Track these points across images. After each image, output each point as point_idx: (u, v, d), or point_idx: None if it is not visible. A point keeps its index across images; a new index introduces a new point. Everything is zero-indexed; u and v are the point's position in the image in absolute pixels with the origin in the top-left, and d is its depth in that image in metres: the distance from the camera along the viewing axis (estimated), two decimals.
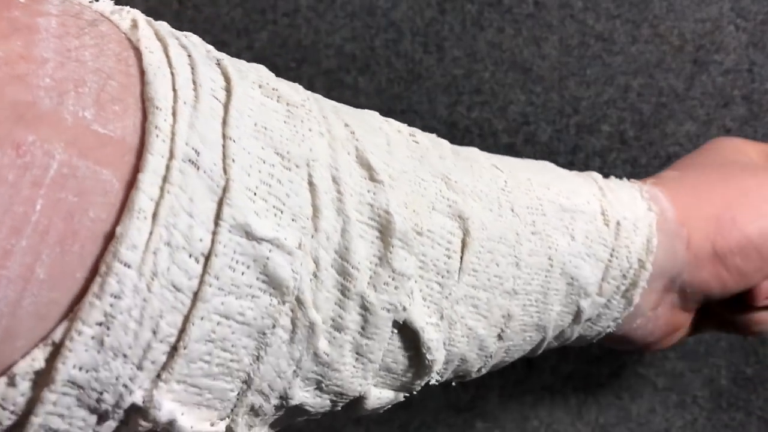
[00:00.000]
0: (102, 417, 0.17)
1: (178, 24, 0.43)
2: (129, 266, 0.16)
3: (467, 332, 0.24)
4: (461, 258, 0.23)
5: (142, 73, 0.17)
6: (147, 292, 0.16)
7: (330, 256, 0.20)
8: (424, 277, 0.22)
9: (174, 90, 0.17)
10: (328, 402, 0.22)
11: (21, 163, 0.14)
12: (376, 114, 0.24)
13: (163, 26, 0.19)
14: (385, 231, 0.21)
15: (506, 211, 0.25)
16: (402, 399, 0.25)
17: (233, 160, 0.18)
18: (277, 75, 0.22)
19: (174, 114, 0.17)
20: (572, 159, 0.42)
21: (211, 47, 0.21)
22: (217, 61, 0.20)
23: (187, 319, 0.17)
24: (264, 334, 0.19)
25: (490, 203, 0.24)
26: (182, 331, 0.17)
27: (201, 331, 0.18)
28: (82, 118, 0.15)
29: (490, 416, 0.44)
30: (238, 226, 0.18)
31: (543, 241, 0.26)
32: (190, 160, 0.17)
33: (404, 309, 0.22)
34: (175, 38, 0.19)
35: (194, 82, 0.18)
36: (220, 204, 0.17)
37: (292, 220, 0.19)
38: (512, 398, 0.43)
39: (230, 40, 0.43)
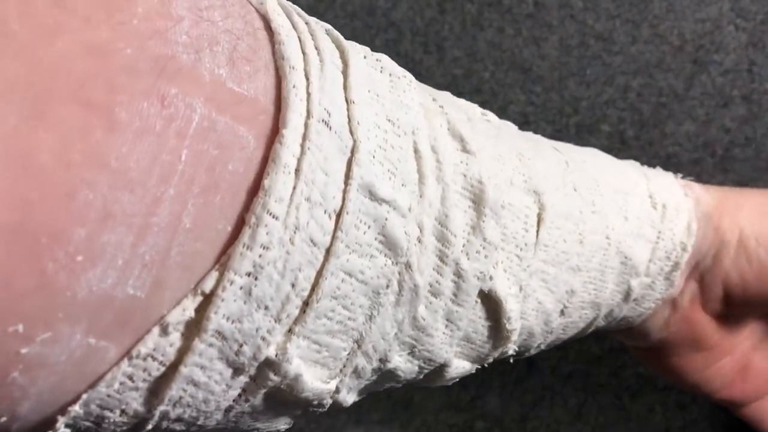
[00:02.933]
0: (237, 370, 0.17)
1: None
2: (276, 218, 0.16)
3: (537, 306, 0.25)
4: (537, 232, 0.24)
5: (270, 34, 0.18)
6: (290, 244, 0.17)
7: (431, 222, 0.21)
8: (505, 249, 0.23)
9: (303, 53, 0.18)
10: (416, 368, 0.23)
11: (166, 113, 0.14)
12: (449, 93, 0.25)
13: None
14: (478, 201, 0.22)
15: (570, 189, 0.26)
16: (473, 371, 0.25)
17: (358, 123, 0.18)
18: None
19: (306, 75, 0.17)
20: None
21: (316, 18, 0.21)
22: (326, 30, 0.20)
23: (320, 273, 0.18)
24: (378, 294, 0.20)
25: (556, 182, 0.25)
26: (315, 285, 0.18)
27: (330, 286, 0.18)
28: (218, 76, 0.16)
29: (490, 416, 0.44)
30: (364, 185, 0.18)
31: (602, 220, 0.27)
32: (323, 120, 0.17)
33: (491, 278, 0.22)
34: (291, 6, 0.19)
35: (317, 48, 0.18)
36: (349, 164, 0.18)
37: (403, 185, 0.20)
38: (512, 398, 0.44)
39: None
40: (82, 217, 0.14)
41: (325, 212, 0.17)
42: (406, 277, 0.20)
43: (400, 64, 0.45)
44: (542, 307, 0.25)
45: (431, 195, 0.20)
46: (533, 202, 0.24)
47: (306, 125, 0.17)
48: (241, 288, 0.16)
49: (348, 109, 0.18)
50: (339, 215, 0.18)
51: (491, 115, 0.26)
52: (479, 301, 0.23)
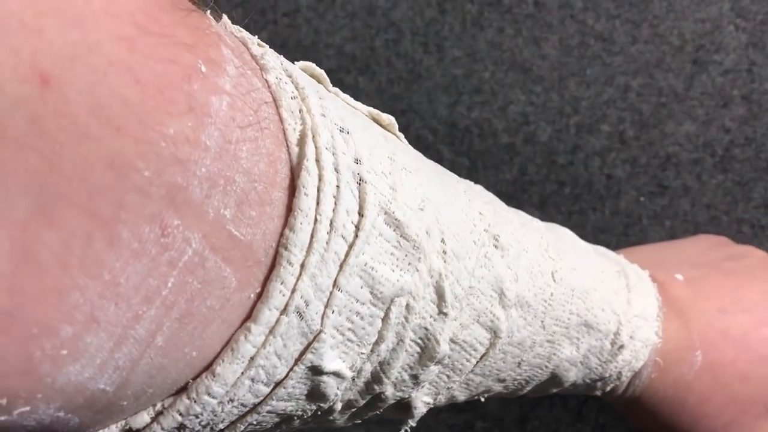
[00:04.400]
0: None
1: None
2: (215, 398, 0.18)
3: (449, 397, 0.26)
4: (477, 362, 0.25)
5: (290, 192, 0.17)
6: (220, 411, 0.18)
7: (372, 365, 0.22)
8: (440, 372, 0.24)
9: (311, 240, 0.18)
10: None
11: (163, 242, 0.15)
12: (474, 205, 0.24)
13: (324, 119, 0.19)
14: (427, 353, 0.22)
15: (537, 322, 0.26)
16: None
17: (332, 311, 0.19)
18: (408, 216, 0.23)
19: (302, 266, 0.18)
20: (572, 159, 0.42)
21: (371, 154, 0.20)
22: (359, 180, 0.19)
23: (239, 420, 0.19)
24: (292, 419, 0.21)
25: (528, 313, 0.26)
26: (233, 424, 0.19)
27: (245, 426, 0.20)
28: (221, 216, 0.16)
29: (490, 416, 0.44)
30: (313, 367, 0.19)
31: (552, 348, 0.28)
32: (298, 312, 0.18)
33: (410, 396, 0.24)
34: (332, 152, 0.18)
35: (331, 225, 0.18)
36: (306, 348, 0.19)
37: (358, 345, 0.20)
38: (512, 398, 0.44)
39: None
40: (70, 316, 0.14)
41: (265, 385, 0.19)
42: (325, 409, 0.22)
43: (400, 64, 0.45)
44: (454, 398, 0.27)
45: (383, 349, 0.21)
46: (488, 339, 0.24)
47: (278, 321, 0.18)
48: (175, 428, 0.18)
49: (331, 295, 0.19)
50: (277, 385, 0.19)
51: (505, 236, 0.25)
52: (393, 404, 0.24)
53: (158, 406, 0.18)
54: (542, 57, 0.42)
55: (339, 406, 0.22)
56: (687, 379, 0.30)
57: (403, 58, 0.43)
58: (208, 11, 0.18)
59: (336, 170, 0.18)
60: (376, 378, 0.22)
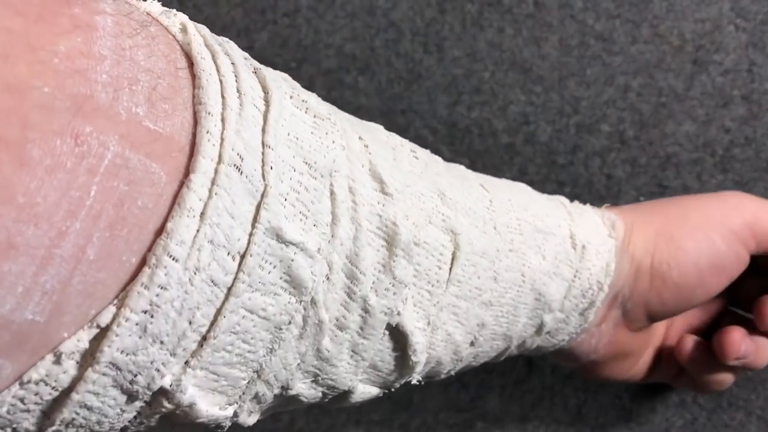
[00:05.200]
0: (131, 397, 0.18)
1: None
2: (176, 260, 0.17)
3: (446, 337, 0.26)
4: (450, 269, 0.25)
5: (192, 76, 0.18)
6: (189, 285, 0.17)
7: (342, 260, 0.21)
8: (417, 284, 0.24)
9: (222, 97, 0.18)
10: (320, 394, 0.23)
11: (78, 151, 0.15)
12: (381, 128, 0.26)
13: (206, 31, 0.20)
14: (390, 241, 0.22)
15: (490, 228, 0.27)
16: (380, 395, 0.26)
17: (271, 167, 0.19)
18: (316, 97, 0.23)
19: (223, 120, 0.18)
20: (572, 159, 0.42)
21: (247, 55, 0.21)
22: (254, 69, 0.20)
23: (219, 311, 0.18)
24: (280, 329, 0.20)
25: (476, 220, 0.26)
26: (213, 322, 0.18)
27: (229, 323, 0.19)
28: (134, 114, 0.16)
29: (490, 416, 0.44)
30: (272, 229, 0.19)
31: (518, 258, 0.28)
32: (235, 165, 0.18)
33: (398, 314, 0.23)
34: (219, 45, 0.20)
35: (239, 91, 0.19)
36: (258, 207, 0.19)
37: (314, 225, 0.20)
38: (512, 398, 0.43)
39: (230, 40, 0.43)
40: None
41: (228, 254, 0.18)
42: (310, 313, 0.21)
43: (400, 64, 0.45)
44: (451, 338, 0.26)
45: (343, 235, 0.21)
46: (449, 240, 0.25)
47: (216, 170, 0.17)
48: (136, 324, 0.17)
49: (263, 153, 0.19)
50: (243, 257, 0.18)
51: (421, 152, 0.26)
52: (386, 333, 0.23)
53: (121, 295, 0.17)
54: (542, 57, 0.42)
55: (325, 315, 0.21)
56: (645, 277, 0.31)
57: (403, 58, 0.43)
58: None
59: (227, 54, 0.19)
60: (350, 276, 0.21)
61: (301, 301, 0.20)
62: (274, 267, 0.19)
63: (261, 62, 0.23)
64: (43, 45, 0.15)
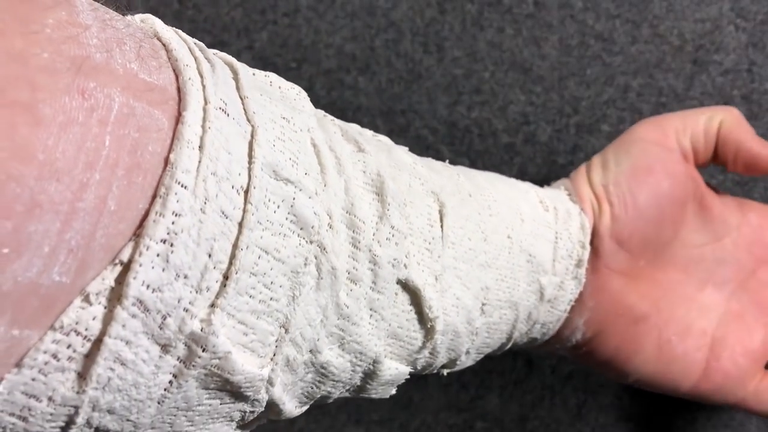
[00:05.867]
0: (164, 348, 0.18)
1: (178, 24, 0.43)
2: (185, 187, 0.17)
3: (456, 302, 0.26)
4: (441, 228, 0.26)
5: (164, 46, 0.19)
6: (202, 213, 0.17)
7: (339, 210, 0.22)
8: (415, 243, 0.24)
9: (194, 57, 0.19)
10: (348, 364, 0.23)
11: (87, 105, 0.16)
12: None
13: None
14: (380, 192, 0.23)
15: (465, 196, 0.28)
16: (408, 375, 0.26)
17: (254, 112, 0.20)
18: (277, 75, 0.23)
19: (200, 73, 0.19)
20: (572, 159, 0.42)
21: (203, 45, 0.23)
22: (214, 52, 0.22)
23: (235, 246, 0.18)
24: (297, 273, 0.20)
25: (451, 189, 0.27)
26: (232, 258, 0.18)
27: (246, 260, 0.19)
28: (130, 69, 0.17)
29: (490, 416, 0.44)
30: (268, 164, 0.19)
31: (501, 221, 0.29)
32: (220, 108, 0.19)
33: (405, 266, 0.24)
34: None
35: (207, 59, 0.20)
36: (250, 145, 0.19)
37: (305, 173, 0.20)
38: (512, 398, 0.43)
39: (230, 40, 0.43)
40: (8, 210, 0.14)
41: (232, 187, 0.18)
42: (323, 260, 0.21)
43: (400, 64, 0.45)
44: (461, 302, 0.26)
45: (335, 185, 0.21)
46: (433, 201, 0.26)
47: (205, 110, 0.18)
48: (158, 255, 0.17)
49: (243, 103, 0.20)
50: (247, 191, 0.19)
51: (382, 137, 0.27)
52: (398, 292, 0.24)
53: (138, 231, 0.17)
54: (542, 57, 0.42)
55: (338, 263, 0.21)
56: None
57: (403, 58, 0.43)
58: None
59: (196, 44, 0.21)
60: (351, 226, 0.22)
61: (311, 242, 0.20)
62: (278, 206, 0.19)
63: (261, 62, 0.23)
64: (32, 19, 0.16)
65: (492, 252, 0.28)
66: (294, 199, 0.20)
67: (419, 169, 0.26)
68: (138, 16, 0.20)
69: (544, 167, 0.42)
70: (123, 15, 0.20)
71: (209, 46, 0.22)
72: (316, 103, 0.44)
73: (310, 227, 0.20)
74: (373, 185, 0.23)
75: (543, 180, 0.42)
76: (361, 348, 0.23)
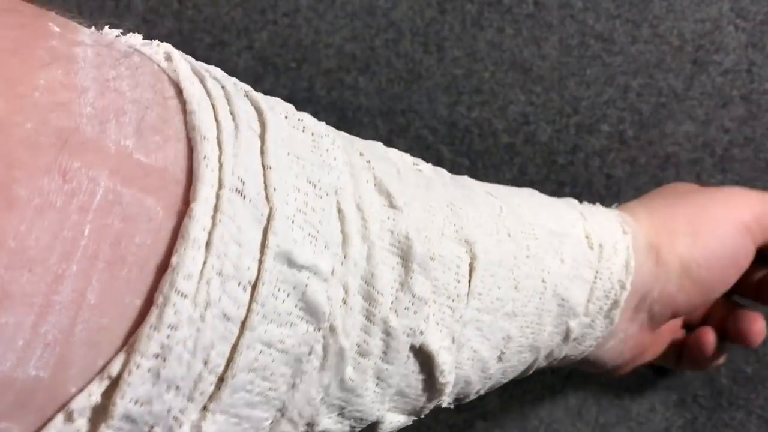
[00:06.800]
0: None
1: (178, 24, 0.43)
2: (185, 296, 0.16)
3: (472, 354, 0.25)
4: (469, 282, 0.24)
5: (182, 104, 0.17)
6: (200, 322, 0.16)
7: (357, 282, 0.20)
8: (437, 301, 0.23)
9: (216, 120, 0.17)
10: (348, 428, 0.22)
11: (68, 188, 0.14)
12: (380, 144, 0.24)
13: (192, 60, 0.19)
14: (405, 257, 0.21)
15: (504, 236, 0.26)
16: (410, 422, 0.25)
17: (275, 189, 0.18)
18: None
19: (219, 144, 0.17)
20: (572, 159, 0.42)
21: (236, 80, 0.21)
22: (245, 93, 0.20)
23: (234, 348, 0.17)
24: (300, 361, 0.19)
25: (488, 229, 0.25)
26: (230, 360, 0.17)
27: (246, 360, 0.18)
28: (123, 147, 0.15)
29: (490, 416, 0.44)
30: (282, 253, 0.18)
31: (537, 264, 0.27)
32: (236, 190, 0.17)
33: (421, 333, 0.22)
34: (206, 71, 0.19)
35: (232, 113, 0.18)
36: (265, 232, 0.18)
37: (325, 247, 0.19)
38: (512, 398, 0.43)
39: (230, 40, 0.43)
40: None
41: (239, 285, 0.17)
42: (330, 341, 0.20)
43: (400, 64, 0.45)
44: (478, 355, 0.25)
45: (356, 255, 0.20)
46: (465, 252, 0.24)
47: (218, 196, 0.17)
48: (148, 370, 0.16)
49: (264, 175, 0.18)
50: (255, 286, 0.17)
51: (423, 165, 0.25)
52: (411, 356, 0.22)
53: (130, 340, 0.16)
54: (542, 57, 0.42)
55: (346, 342, 0.20)
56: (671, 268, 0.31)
57: (403, 58, 0.43)
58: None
59: (215, 78, 0.19)
60: (368, 298, 0.20)
61: (319, 329, 0.19)
62: (288, 295, 0.18)
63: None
64: (21, 79, 0.14)
65: (522, 300, 0.26)
66: (306, 286, 0.18)
67: (457, 211, 0.24)
68: (162, 51, 0.18)
69: (544, 167, 0.42)
70: (149, 40, 0.19)
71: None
72: (316, 103, 0.44)
73: (320, 314, 0.19)
74: (399, 248, 0.21)
75: (543, 180, 0.42)
76: (363, 415, 0.22)
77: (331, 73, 0.43)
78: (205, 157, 0.16)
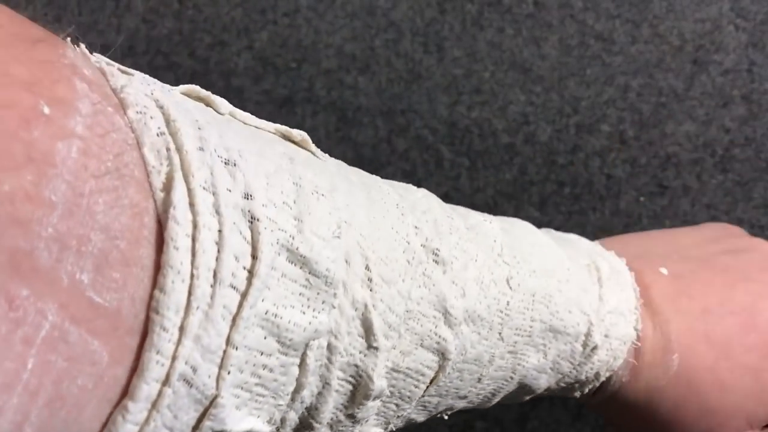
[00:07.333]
0: None
1: (178, 24, 0.43)
2: None
3: (405, 419, 0.24)
4: (429, 385, 0.23)
5: (159, 242, 0.15)
6: None
7: (298, 413, 0.20)
8: (385, 401, 0.22)
9: (189, 299, 0.16)
10: None
11: (14, 317, 0.13)
12: (407, 220, 0.22)
13: (203, 153, 0.17)
14: (360, 390, 0.20)
15: (494, 335, 0.24)
16: None
17: (228, 372, 0.17)
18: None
19: (181, 329, 0.15)
20: (572, 159, 0.42)
21: (256, 125, 0.19)
22: (251, 219, 0.17)
23: None
24: None
25: (482, 327, 0.24)
26: None
27: None
28: (78, 282, 0.14)
29: (490, 416, 0.44)
30: None
31: (515, 358, 0.25)
32: (185, 380, 0.16)
33: None
34: (211, 192, 0.16)
35: (215, 276, 0.16)
36: (202, 416, 0.17)
37: (272, 398, 0.18)
38: None
39: (230, 40, 0.43)
40: None
41: None
42: None
43: (400, 64, 0.45)
44: (412, 420, 0.25)
45: (306, 395, 0.19)
46: (436, 362, 0.23)
47: (160, 393, 0.15)
48: None
49: (224, 354, 0.16)
50: None
51: (445, 249, 0.23)
52: None
53: None
54: (542, 57, 0.42)
55: None
56: (661, 384, 0.28)
57: (403, 58, 0.43)
58: (68, 39, 0.16)
59: (217, 212, 0.16)
60: (305, 424, 0.20)
61: None
62: None
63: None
64: None
65: (481, 387, 0.25)
66: None
67: (449, 318, 0.22)
68: (164, 173, 0.16)
69: (544, 167, 0.42)
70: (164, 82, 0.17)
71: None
72: (316, 103, 0.44)
73: None
74: (357, 382, 0.20)
75: (543, 180, 0.42)
76: None
77: (331, 73, 0.43)
78: (158, 353, 0.15)
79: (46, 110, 0.14)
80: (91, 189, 0.14)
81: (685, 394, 0.28)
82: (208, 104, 0.19)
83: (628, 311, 0.28)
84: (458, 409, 0.27)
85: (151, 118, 0.16)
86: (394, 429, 0.25)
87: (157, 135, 0.16)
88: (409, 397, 0.23)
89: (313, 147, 0.21)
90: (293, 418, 0.20)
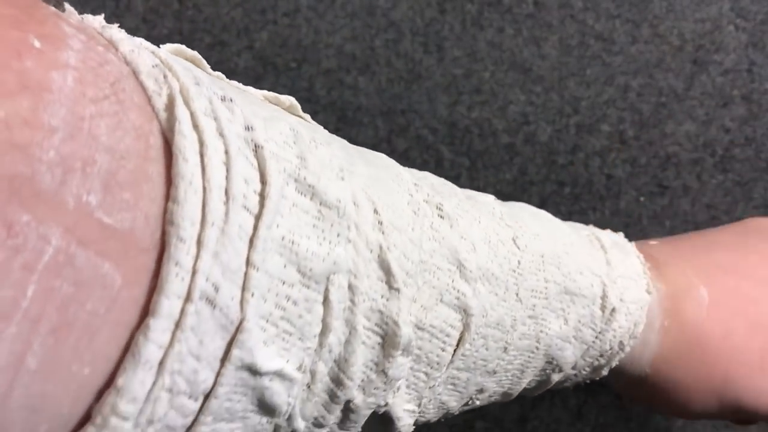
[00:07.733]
0: None
1: (178, 24, 0.43)
2: (126, 419, 0.15)
3: (439, 405, 0.24)
4: (455, 350, 0.22)
5: (167, 157, 0.15)
6: None
7: (328, 366, 0.19)
8: (414, 368, 0.22)
9: (203, 212, 0.15)
10: None
11: (12, 244, 0.13)
12: (405, 177, 0.22)
13: (202, 77, 0.17)
14: (388, 340, 0.20)
15: (511, 295, 0.24)
16: None
17: (252, 294, 0.16)
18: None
19: (199, 242, 0.15)
20: (572, 159, 0.42)
21: (255, 97, 0.19)
22: (255, 147, 0.17)
23: None
24: None
25: (497, 287, 0.23)
26: None
27: None
28: (85, 204, 0.13)
29: (490, 416, 0.44)
30: (244, 366, 0.16)
31: (537, 324, 0.25)
32: (207, 299, 0.15)
33: (386, 404, 0.21)
34: (212, 118, 0.16)
35: (227, 194, 0.16)
36: (230, 344, 0.16)
37: (299, 339, 0.18)
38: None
39: (230, 40, 0.43)
40: None
41: (189, 397, 0.15)
42: (284, 424, 0.19)
43: (400, 64, 0.45)
44: (445, 405, 0.24)
45: (333, 341, 0.19)
46: (459, 320, 0.22)
47: (183, 311, 0.15)
48: None
49: (245, 275, 0.16)
50: (207, 397, 0.16)
51: (448, 205, 0.23)
52: (370, 417, 0.22)
53: None
54: (542, 57, 0.42)
55: (301, 424, 0.19)
56: (702, 317, 0.27)
57: (403, 58, 0.43)
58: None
59: (221, 135, 0.16)
60: (336, 381, 0.19)
61: (272, 422, 0.18)
62: (245, 395, 0.17)
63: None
64: None
65: (508, 359, 0.25)
66: (266, 389, 0.17)
67: (465, 272, 0.22)
68: (165, 96, 0.16)
69: (544, 167, 0.42)
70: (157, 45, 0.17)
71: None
72: (316, 103, 0.44)
73: (276, 411, 0.18)
74: (384, 331, 0.20)
75: (543, 180, 0.42)
76: None
77: (331, 73, 0.43)
78: (176, 264, 0.15)
79: (37, 44, 0.13)
80: (92, 113, 0.14)
81: (730, 317, 0.28)
82: (195, 63, 0.19)
83: (636, 275, 0.28)
84: (490, 395, 0.26)
85: (145, 51, 0.16)
86: (428, 413, 0.24)
87: (153, 66, 0.16)
88: (437, 363, 0.22)
89: (302, 113, 0.21)
90: (323, 371, 0.19)
